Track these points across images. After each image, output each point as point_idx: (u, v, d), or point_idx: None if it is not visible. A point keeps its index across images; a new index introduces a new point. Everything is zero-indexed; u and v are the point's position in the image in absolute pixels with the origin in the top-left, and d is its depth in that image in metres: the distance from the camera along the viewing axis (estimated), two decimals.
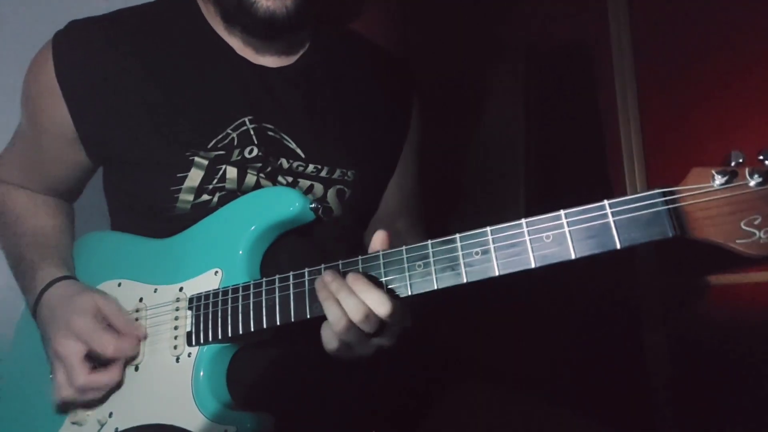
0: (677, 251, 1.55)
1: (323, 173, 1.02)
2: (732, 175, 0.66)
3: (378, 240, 0.83)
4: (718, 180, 0.66)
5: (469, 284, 0.76)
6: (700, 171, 0.67)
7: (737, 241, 0.65)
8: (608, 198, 0.70)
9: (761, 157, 0.66)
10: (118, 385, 0.95)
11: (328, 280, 0.80)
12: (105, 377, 0.92)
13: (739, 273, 1.49)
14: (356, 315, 0.77)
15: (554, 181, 1.56)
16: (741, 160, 0.66)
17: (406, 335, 0.84)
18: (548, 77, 1.58)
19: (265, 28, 0.98)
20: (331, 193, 1.03)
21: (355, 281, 0.78)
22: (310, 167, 1.01)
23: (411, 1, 1.85)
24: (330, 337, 0.82)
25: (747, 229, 0.65)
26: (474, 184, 1.45)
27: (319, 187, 1.02)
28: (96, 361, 0.92)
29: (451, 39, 1.80)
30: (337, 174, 1.03)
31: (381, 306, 0.76)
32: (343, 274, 0.80)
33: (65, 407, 0.97)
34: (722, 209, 0.66)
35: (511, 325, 1.52)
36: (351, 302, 0.77)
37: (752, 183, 0.65)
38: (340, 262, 0.84)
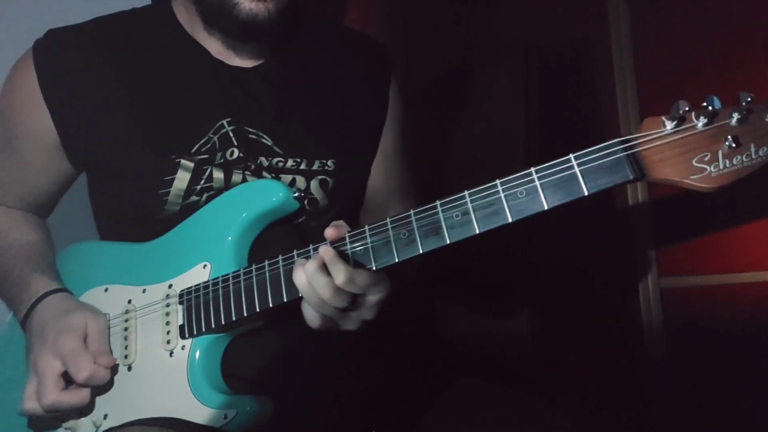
0: (677, 251, 1.61)
1: (303, 166, 1.04)
2: (681, 120, 0.73)
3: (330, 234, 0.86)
4: (669, 125, 0.73)
5: (453, 244, 0.80)
6: (653, 119, 0.74)
7: (691, 177, 0.72)
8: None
9: (704, 104, 0.73)
10: (108, 385, 0.96)
11: (300, 261, 0.84)
12: (72, 399, 0.92)
13: (739, 273, 1.51)
14: (324, 290, 0.80)
15: None
16: (687, 108, 0.74)
17: (389, 310, 0.88)
18: (548, 76, 1.59)
19: (245, 30, 0.99)
20: (314, 185, 1.05)
21: (325, 253, 0.82)
22: (290, 162, 1.04)
23: (412, 1, 1.87)
24: (311, 315, 0.85)
25: (698, 165, 0.72)
26: (475, 184, 1.47)
27: (301, 180, 1.04)
28: (71, 380, 0.93)
29: (451, 38, 1.82)
30: (316, 165, 1.05)
31: (339, 275, 0.80)
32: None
33: (32, 421, 0.98)
34: (675, 150, 0.72)
35: (510, 325, 1.53)
36: (318, 279, 0.81)
37: (699, 125, 0.72)
38: (329, 240, 0.88)
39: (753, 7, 1.48)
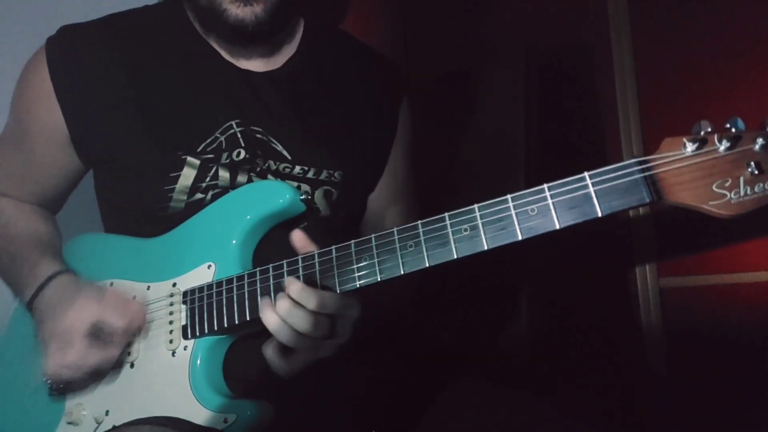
0: (677, 251, 1.59)
1: (310, 174, 1.04)
2: (702, 142, 0.70)
3: (296, 239, 0.89)
4: (690, 147, 0.70)
5: (460, 259, 0.79)
6: (673, 140, 0.71)
7: (710, 203, 0.69)
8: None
9: (728, 125, 0.70)
10: (110, 381, 0.96)
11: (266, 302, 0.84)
12: (98, 356, 0.91)
13: (739, 273, 1.50)
14: (302, 323, 0.81)
15: (555, 181, 1.56)
16: (710, 129, 0.71)
17: (365, 330, 0.88)
18: (548, 77, 1.58)
19: (237, 34, 1.01)
20: (318, 194, 1.05)
21: (290, 284, 0.83)
22: (297, 169, 1.03)
23: (412, 1, 1.85)
24: (281, 362, 0.86)
25: (718, 191, 0.69)
26: (474, 184, 1.46)
27: (306, 189, 1.04)
28: (97, 340, 0.92)
29: (451, 38, 1.80)
30: (323, 175, 1.04)
31: (311, 302, 0.81)
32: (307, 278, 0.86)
33: (55, 388, 0.97)
34: (694, 174, 0.70)
35: (510, 325, 1.53)
36: (295, 315, 0.81)
37: (721, 148, 0.69)
38: (333, 247, 0.87)
39: (755, 11, 1.45)
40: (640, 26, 1.62)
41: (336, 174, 1.05)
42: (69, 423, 0.97)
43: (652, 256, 1.62)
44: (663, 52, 1.59)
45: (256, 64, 1.07)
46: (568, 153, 1.61)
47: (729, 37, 1.48)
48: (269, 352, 0.87)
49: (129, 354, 0.97)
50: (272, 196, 0.96)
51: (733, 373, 1.48)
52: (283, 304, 0.81)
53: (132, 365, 0.97)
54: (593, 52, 1.68)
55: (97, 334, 0.91)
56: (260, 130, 1.02)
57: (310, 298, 0.80)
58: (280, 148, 1.03)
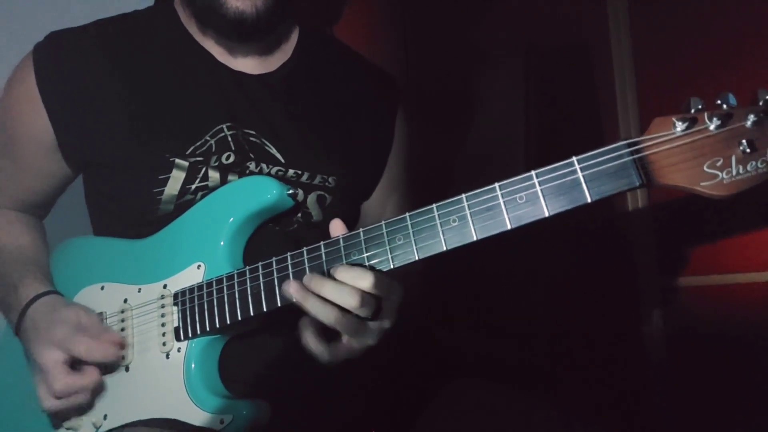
0: (677, 251, 1.58)
1: (303, 178, 1.02)
2: (692, 121, 0.68)
3: (336, 227, 0.86)
4: (680, 127, 0.68)
5: (449, 251, 0.77)
6: (662, 120, 0.69)
7: (701, 184, 0.67)
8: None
9: (719, 102, 0.68)
10: (104, 387, 0.95)
11: (302, 283, 0.81)
12: (82, 379, 0.91)
13: (739, 273, 1.50)
14: (349, 300, 0.78)
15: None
16: (700, 107, 0.69)
17: (405, 315, 0.86)
18: (548, 77, 1.58)
19: (236, 28, 0.98)
20: (311, 199, 1.03)
21: (337, 271, 0.81)
22: (290, 172, 1.01)
23: (412, 1, 1.85)
24: (321, 349, 0.84)
25: (710, 171, 0.67)
26: (474, 184, 1.46)
27: (299, 193, 1.02)
28: (77, 367, 0.92)
29: (452, 38, 1.80)
30: (317, 180, 1.03)
31: (362, 280, 0.79)
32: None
33: (57, 417, 0.97)
34: (685, 155, 0.68)
35: (510, 325, 1.53)
36: (341, 291, 0.79)
37: (712, 127, 0.67)
38: (322, 243, 0.85)
39: (754, 7, 1.42)
40: (639, 24, 1.62)
41: (330, 179, 1.04)
42: (68, 429, 0.97)
43: (653, 257, 1.61)
44: (662, 50, 1.59)
45: (250, 65, 1.05)
46: (567, 151, 1.60)
47: (728, 34, 1.48)
48: (310, 340, 0.84)
49: (123, 358, 0.97)
50: (259, 191, 0.95)
51: (733, 373, 1.48)
52: (327, 283, 0.80)
53: (127, 369, 0.96)
54: (593, 50, 1.67)
55: (75, 362, 0.91)
56: (254, 133, 1.01)
57: (365, 278, 0.79)
58: (273, 151, 1.01)
